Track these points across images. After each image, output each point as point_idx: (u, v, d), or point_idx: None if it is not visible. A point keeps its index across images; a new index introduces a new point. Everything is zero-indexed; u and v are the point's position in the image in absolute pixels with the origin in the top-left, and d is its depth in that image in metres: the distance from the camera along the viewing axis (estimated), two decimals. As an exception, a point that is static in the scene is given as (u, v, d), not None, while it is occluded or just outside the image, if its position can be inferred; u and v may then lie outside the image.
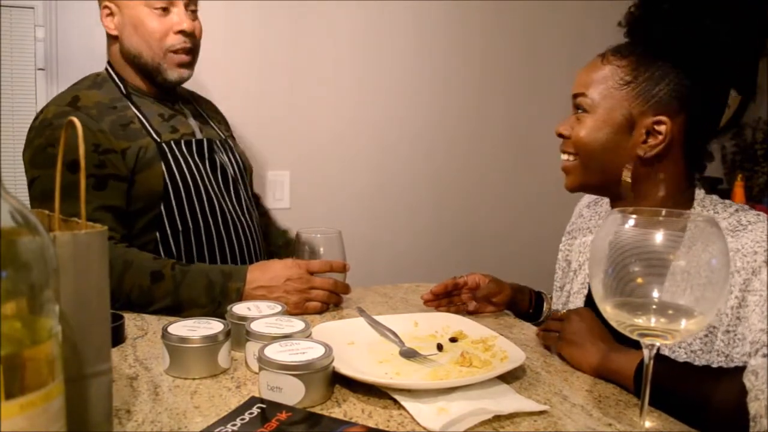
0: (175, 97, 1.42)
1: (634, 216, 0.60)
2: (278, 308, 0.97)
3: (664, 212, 0.64)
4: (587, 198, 1.23)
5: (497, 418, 0.70)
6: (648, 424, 0.71)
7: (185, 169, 1.31)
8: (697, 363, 0.86)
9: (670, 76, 0.92)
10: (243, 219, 1.41)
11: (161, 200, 1.28)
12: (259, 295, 1.10)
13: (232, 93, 1.93)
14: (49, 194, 1.20)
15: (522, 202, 2.38)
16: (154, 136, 1.30)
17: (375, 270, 2.13)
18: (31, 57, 1.82)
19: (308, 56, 2.05)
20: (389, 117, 2.19)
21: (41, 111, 1.28)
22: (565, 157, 1.01)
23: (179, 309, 1.10)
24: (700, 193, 0.96)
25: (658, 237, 0.58)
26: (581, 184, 1.01)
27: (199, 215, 1.32)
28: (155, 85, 1.36)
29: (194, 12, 1.35)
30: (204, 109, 1.52)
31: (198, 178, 1.32)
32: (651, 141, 0.93)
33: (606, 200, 1.13)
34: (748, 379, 0.72)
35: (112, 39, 1.35)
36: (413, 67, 2.20)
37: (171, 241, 1.30)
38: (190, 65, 1.35)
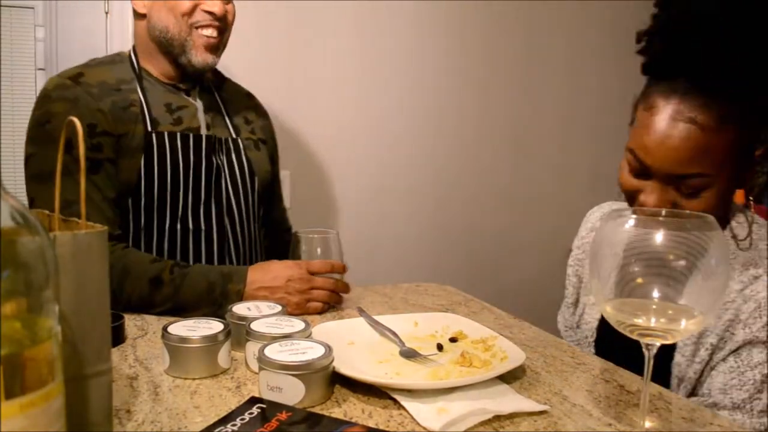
0: (193, 85, 1.35)
1: (634, 216, 0.60)
2: (278, 308, 0.97)
3: (663, 212, 0.64)
4: (599, 211, 1.17)
5: (497, 418, 0.70)
6: (648, 424, 0.71)
7: (168, 166, 1.22)
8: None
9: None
10: (224, 230, 1.30)
11: (130, 195, 1.21)
12: (261, 295, 1.10)
13: (232, 93, 1.93)
14: (45, 175, 1.17)
15: (523, 202, 2.38)
16: (148, 124, 1.23)
17: (375, 270, 2.13)
18: (31, 57, 1.82)
19: (308, 56, 2.05)
20: (389, 117, 2.19)
21: (45, 83, 1.25)
22: None
23: (180, 311, 1.10)
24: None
25: (658, 237, 0.58)
26: None
27: (168, 221, 1.24)
28: (179, 68, 1.30)
29: None
30: (231, 103, 1.43)
31: (182, 178, 1.24)
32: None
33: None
34: None
35: (138, 17, 1.31)
36: (414, 66, 2.20)
37: (131, 242, 1.23)
38: (216, 49, 1.29)
